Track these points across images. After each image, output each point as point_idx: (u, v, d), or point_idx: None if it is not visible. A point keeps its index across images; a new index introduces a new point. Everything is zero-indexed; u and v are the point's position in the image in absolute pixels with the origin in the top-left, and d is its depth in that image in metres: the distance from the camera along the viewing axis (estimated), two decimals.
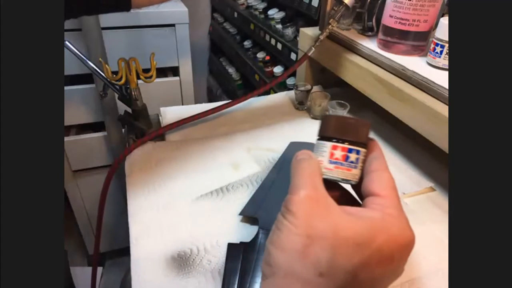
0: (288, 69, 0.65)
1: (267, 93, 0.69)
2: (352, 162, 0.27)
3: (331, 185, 0.28)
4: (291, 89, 0.72)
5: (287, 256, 0.22)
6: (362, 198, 0.27)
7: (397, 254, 0.22)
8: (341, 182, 0.28)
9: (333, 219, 0.22)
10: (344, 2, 0.55)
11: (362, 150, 0.27)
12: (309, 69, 0.74)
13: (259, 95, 0.68)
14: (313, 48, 0.60)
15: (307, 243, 0.22)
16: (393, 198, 0.24)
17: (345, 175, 0.27)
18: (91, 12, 0.48)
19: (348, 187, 0.30)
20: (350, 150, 0.27)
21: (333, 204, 0.24)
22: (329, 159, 0.27)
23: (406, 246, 0.23)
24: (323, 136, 0.28)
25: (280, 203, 0.46)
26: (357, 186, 0.28)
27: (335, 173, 0.27)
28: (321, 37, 0.58)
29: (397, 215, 0.23)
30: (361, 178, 0.28)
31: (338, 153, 0.27)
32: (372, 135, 0.54)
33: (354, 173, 0.27)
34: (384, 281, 0.23)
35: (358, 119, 0.28)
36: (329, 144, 0.28)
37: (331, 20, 0.57)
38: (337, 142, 0.27)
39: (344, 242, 0.21)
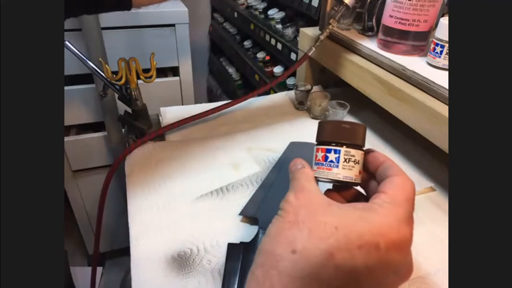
0: (288, 69, 0.65)
1: (267, 93, 0.69)
2: (331, 161, 0.29)
3: (341, 188, 0.31)
4: (291, 89, 0.72)
5: (270, 239, 0.24)
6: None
7: (383, 243, 0.21)
8: (330, 182, 0.30)
9: (314, 207, 0.24)
10: (344, 2, 0.55)
11: (342, 149, 0.29)
12: (309, 69, 0.74)
13: (259, 95, 0.68)
14: (313, 48, 0.60)
15: (287, 227, 0.24)
16: (396, 196, 0.24)
17: (326, 174, 0.29)
18: (91, 11, 0.48)
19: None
20: (328, 150, 0.29)
21: (321, 198, 0.25)
22: (314, 161, 0.30)
23: (395, 238, 0.22)
24: (317, 141, 0.31)
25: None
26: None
27: (318, 174, 0.30)
28: (322, 37, 0.58)
29: (387, 207, 0.23)
30: (363, 181, 0.30)
31: (320, 155, 0.30)
32: (372, 135, 0.56)
33: (335, 173, 0.29)
34: (378, 273, 0.22)
35: (349, 123, 0.29)
36: (315, 148, 0.30)
37: (332, 20, 0.57)
38: (318, 145, 0.30)
39: (322, 225, 0.22)
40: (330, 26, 0.57)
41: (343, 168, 0.29)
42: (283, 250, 0.22)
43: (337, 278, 0.21)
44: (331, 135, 0.29)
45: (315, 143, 0.31)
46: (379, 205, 0.24)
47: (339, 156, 0.29)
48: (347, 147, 0.29)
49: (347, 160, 0.29)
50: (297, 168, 0.29)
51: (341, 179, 0.29)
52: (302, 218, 0.23)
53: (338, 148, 0.29)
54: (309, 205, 0.25)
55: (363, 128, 0.29)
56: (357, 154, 0.29)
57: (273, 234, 0.24)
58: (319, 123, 0.31)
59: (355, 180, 0.29)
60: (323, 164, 0.29)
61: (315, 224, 0.23)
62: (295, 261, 0.21)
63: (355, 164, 0.29)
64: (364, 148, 0.30)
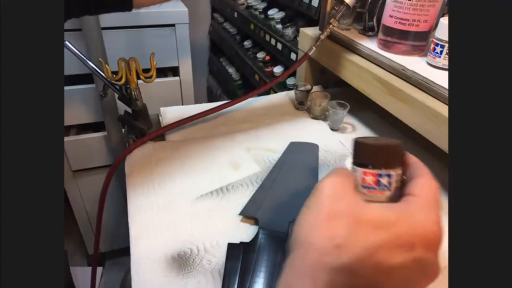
0: (289, 69, 0.65)
1: (267, 93, 0.69)
2: (385, 185, 0.28)
3: None
4: (291, 89, 0.72)
5: (309, 229, 0.24)
6: None
7: (419, 243, 0.22)
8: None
9: (355, 202, 0.24)
10: (345, 1, 0.55)
11: (394, 173, 0.28)
12: (309, 69, 0.74)
13: (259, 95, 0.68)
14: (313, 48, 0.60)
15: (327, 218, 0.23)
16: (426, 197, 0.25)
17: (379, 197, 0.28)
18: (93, 11, 0.48)
19: None
20: (380, 175, 0.28)
21: (358, 195, 0.25)
22: (362, 184, 0.29)
23: (430, 239, 0.23)
24: (356, 161, 0.30)
25: (280, 203, 0.46)
26: None
27: (371, 197, 0.28)
28: (322, 37, 0.58)
29: (421, 208, 0.24)
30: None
31: (369, 179, 0.29)
32: (372, 135, 0.56)
33: (387, 195, 0.28)
34: (409, 272, 0.22)
35: (388, 142, 0.29)
36: (360, 170, 0.29)
37: (332, 20, 0.57)
38: (367, 168, 0.28)
39: (364, 224, 0.23)
40: (331, 26, 0.57)
41: (394, 189, 0.28)
42: (327, 244, 0.23)
43: (374, 274, 0.22)
44: (377, 159, 0.29)
45: (353, 161, 0.30)
46: (413, 207, 0.24)
47: (391, 180, 0.28)
48: (396, 169, 0.28)
49: (398, 181, 0.28)
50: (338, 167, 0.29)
51: (394, 199, 0.28)
52: (342, 211, 0.24)
53: (389, 172, 0.28)
54: (348, 197, 0.25)
55: (401, 145, 0.29)
56: (394, 174, 0.28)
57: (311, 224, 0.24)
58: (356, 142, 0.30)
59: (394, 200, 0.29)
60: (375, 189, 0.28)
61: (357, 222, 0.23)
62: (338, 255, 0.22)
63: (398, 182, 0.29)
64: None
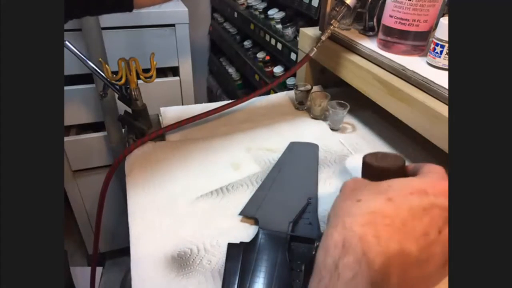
0: (290, 70, 0.65)
1: (267, 93, 0.69)
2: None
3: None
4: (291, 89, 0.72)
5: (337, 202, 0.28)
6: None
7: (430, 189, 0.25)
8: None
9: (368, 181, 0.29)
10: (345, 2, 0.55)
11: None
12: (309, 69, 0.74)
13: (260, 95, 0.68)
14: (315, 49, 0.60)
15: (347, 192, 0.28)
16: (433, 168, 0.29)
17: None
18: (93, 12, 0.48)
19: None
20: None
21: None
22: None
23: (439, 187, 0.26)
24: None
25: (280, 203, 0.46)
26: None
27: None
28: (323, 38, 0.58)
29: (432, 173, 0.28)
30: None
31: None
32: (372, 135, 0.56)
33: None
34: (428, 212, 0.24)
35: (391, 163, 0.31)
36: None
37: (333, 20, 0.57)
38: None
39: (376, 184, 0.27)
40: (332, 26, 0.57)
41: None
42: (349, 202, 0.26)
43: (397, 215, 0.23)
44: (382, 178, 0.30)
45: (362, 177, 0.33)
46: (420, 175, 0.28)
47: None
48: None
49: None
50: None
51: None
52: (360, 185, 0.28)
53: None
54: (363, 180, 0.30)
55: (403, 164, 0.31)
56: None
57: (340, 199, 0.28)
58: (364, 162, 0.33)
59: None
60: None
61: (371, 185, 0.27)
62: (360, 205, 0.25)
63: None
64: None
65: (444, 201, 0.24)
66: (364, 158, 0.32)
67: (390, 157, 0.31)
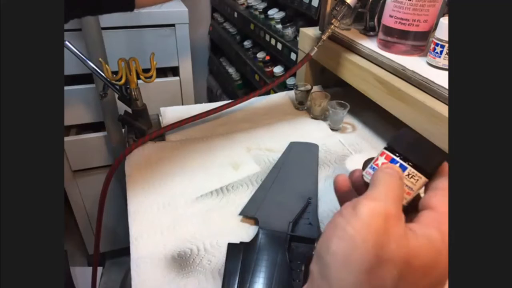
0: (291, 69, 0.65)
1: (267, 93, 0.70)
2: (410, 188, 0.26)
3: None
4: (291, 89, 0.72)
5: (351, 275, 0.20)
6: (411, 211, 0.26)
7: (445, 279, 0.22)
8: None
9: (406, 243, 0.21)
10: (346, 2, 0.55)
11: (422, 178, 0.26)
12: (309, 69, 0.74)
13: (260, 95, 0.68)
14: (315, 48, 0.60)
15: (374, 264, 0.20)
16: (444, 215, 0.23)
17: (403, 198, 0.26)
18: (95, 12, 0.48)
19: None
20: (393, 160, 0.26)
21: (405, 225, 0.22)
22: (372, 163, 0.27)
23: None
24: (396, 151, 0.27)
25: (280, 203, 0.46)
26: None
27: (368, 178, 0.27)
28: (324, 37, 0.58)
29: (444, 235, 0.22)
30: (413, 201, 0.27)
31: (381, 160, 0.27)
32: (372, 135, 0.56)
33: (409, 198, 0.26)
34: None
35: (435, 146, 0.26)
36: (381, 151, 0.27)
37: (334, 20, 0.57)
38: (409, 164, 0.26)
39: (413, 271, 0.20)
40: (332, 26, 0.57)
41: (413, 195, 0.26)
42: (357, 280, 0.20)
43: None
44: (406, 148, 0.26)
45: (385, 146, 0.28)
46: (444, 232, 0.22)
47: (415, 184, 0.26)
48: (415, 168, 0.26)
49: (409, 178, 0.26)
50: (395, 176, 0.24)
51: (406, 205, 0.26)
52: (392, 255, 0.20)
53: (405, 164, 0.26)
54: (398, 237, 0.21)
55: (441, 156, 0.26)
56: (421, 180, 0.26)
57: (353, 265, 0.20)
58: (403, 129, 0.28)
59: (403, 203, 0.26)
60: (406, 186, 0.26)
61: (407, 269, 0.20)
62: None
63: (411, 188, 0.26)
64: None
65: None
66: (403, 134, 0.29)
67: (430, 154, 0.26)
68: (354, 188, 0.29)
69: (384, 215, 0.21)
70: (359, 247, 0.20)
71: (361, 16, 0.61)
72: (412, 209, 0.27)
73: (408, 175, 0.26)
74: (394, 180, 0.24)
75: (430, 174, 0.26)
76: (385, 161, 0.27)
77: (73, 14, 0.44)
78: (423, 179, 0.26)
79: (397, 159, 0.26)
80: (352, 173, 0.29)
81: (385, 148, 0.27)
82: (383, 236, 0.20)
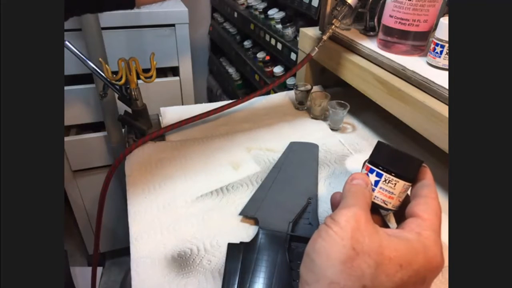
0: (291, 70, 0.65)
1: (267, 93, 0.70)
2: (392, 193, 0.29)
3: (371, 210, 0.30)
4: (291, 89, 0.72)
5: (332, 266, 0.23)
6: (401, 221, 0.28)
7: (429, 276, 0.24)
8: (380, 208, 0.30)
9: (378, 238, 0.24)
10: (347, 2, 0.55)
11: (400, 181, 0.29)
12: (309, 69, 0.74)
13: (260, 95, 0.68)
14: (316, 49, 0.60)
15: (352, 256, 0.23)
16: (434, 222, 0.26)
17: (386, 202, 0.30)
18: (94, 10, 0.48)
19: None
20: (371, 170, 0.30)
21: (377, 226, 0.25)
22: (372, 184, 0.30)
23: (437, 270, 0.24)
24: (373, 161, 0.31)
25: (280, 203, 0.46)
26: (397, 211, 0.31)
27: (378, 199, 0.30)
28: (324, 38, 0.58)
29: (433, 239, 0.25)
30: (402, 206, 0.30)
31: (363, 171, 0.30)
32: (372, 135, 0.56)
33: (393, 202, 0.30)
34: None
35: (410, 155, 0.30)
36: (377, 171, 0.30)
37: (334, 20, 0.57)
38: (383, 170, 0.30)
39: (388, 262, 0.23)
40: (333, 26, 0.57)
41: (398, 200, 0.30)
42: (352, 284, 0.23)
43: None
44: (382, 159, 0.30)
45: (370, 160, 0.31)
46: (427, 240, 0.25)
47: (379, 180, 0.29)
48: (390, 174, 0.29)
49: (403, 193, 0.30)
50: (360, 185, 0.29)
51: (394, 209, 0.30)
52: (367, 247, 0.23)
53: (380, 172, 0.29)
54: (371, 233, 0.24)
55: (418, 163, 0.29)
56: (399, 184, 0.29)
57: (334, 258, 0.23)
58: (378, 142, 0.31)
59: (387, 206, 0.30)
60: (385, 190, 0.30)
61: (382, 260, 0.23)
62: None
63: (392, 192, 0.29)
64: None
65: (430, 281, 0.24)
66: (380, 142, 0.31)
67: (404, 160, 0.30)
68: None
69: (354, 218, 0.25)
70: (338, 243, 0.24)
71: (361, 16, 0.61)
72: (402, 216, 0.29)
73: (385, 180, 0.29)
74: (360, 189, 0.28)
75: (409, 178, 0.29)
76: (365, 171, 0.31)
77: (73, 12, 0.44)
78: (401, 182, 0.29)
79: (374, 168, 0.30)
80: (333, 195, 0.33)
81: (368, 162, 0.31)
82: (357, 233, 0.24)
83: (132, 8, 0.48)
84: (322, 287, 0.23)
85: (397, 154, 0.29)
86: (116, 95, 0.64)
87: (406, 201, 0.30)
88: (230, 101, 0.66)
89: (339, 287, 0.22)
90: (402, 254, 0.23)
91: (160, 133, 0.59)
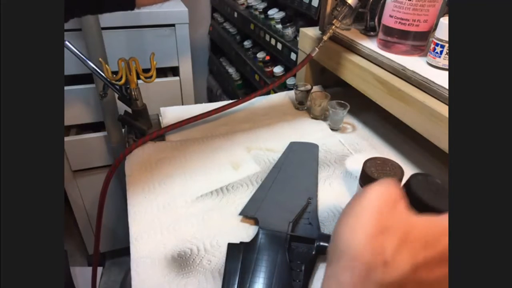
0: (291, 70, 0.65)
1: (267, 93, 0.70)
2: None
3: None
4: (291, 89, 0.72)
5: (357, 240, 0.23)
6: None
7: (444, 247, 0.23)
8: None
9: (406, 215, 0.24)
10: (347, 2, 0.55)
11: None
12: (309, 69, 0.74)
13: (261, 95, 0.68)
14: (316, 49, 0.60)
15: (378, 231, 0.23)
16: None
17: None
18: (94, 11, 0.48)
19: None
20: None
21: (405, 204, 0.25)
22: None
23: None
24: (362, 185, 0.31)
25: (280, 203, 0.46)
26: None
27: None
28: (325, 38, 0.58)
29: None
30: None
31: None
32: (372, 135, 0.56)
33: None
34: (443, 284, 0.23)
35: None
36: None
37: (334, 20, 0.57)
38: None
39: (413, 240, 0.23)
40: (334, 26, 0.57)
41: None
42: (377, 261, 0.22)
43: None
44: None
45: (359, 183, 0.32)
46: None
47: None
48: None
49: None
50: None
51: None
52: (394, 224, 0.23)
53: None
54: (399, 210, 0.24)
55: (401, 173, 0.30)
56: None
57: (360, 233, 0.23)
58: (362, 170, 0.32)
59: None
60: None
61: (407, 238, 0.23)
62: (385, 272, 0.22)
63: None
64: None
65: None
66: (364, 165, 0.32)
67: (389, 167, 0.31)
68: None
69: (387, 194, 0.25)
70: (364, 217, 0.24)
71: (361, 16, 0.61)
72: None
73: None
74: (393, 180, 0.27)
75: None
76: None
77: (73, 13, 0.44)
78: None
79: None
80: None
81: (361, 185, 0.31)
82: (384, 209, 0.24)
83: (132, 9, 0.48)
84: (346, 262, 0.23)
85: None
86: (116, 95, 0.64)
87: None
88: (230, 101, 0.66)
89: (362, 261, 0.22)
90: (428, 234, 0.23)
91: (160, 133, 0.59)
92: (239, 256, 0.38)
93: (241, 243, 0.40)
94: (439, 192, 0.27)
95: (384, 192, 0.25)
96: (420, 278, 0.22)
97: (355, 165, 0.55)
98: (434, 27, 0.51)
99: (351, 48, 0.61)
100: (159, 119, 0.67)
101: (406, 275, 0.22)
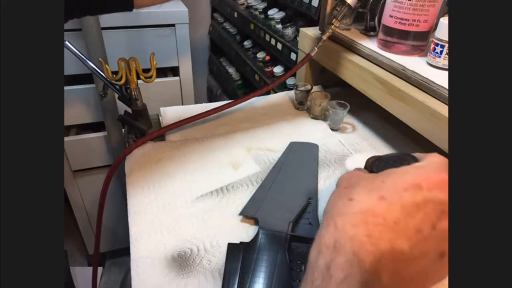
0: (291, 70, 0.65)
1: (267, 93, 0.70)
2: None
3: None
4: (291, 89, 0.72)
5: (330, 201, 0.27)
6: None
7: (424, 184, 0.25)
8: None
9: (363, 175, 0.29)
10: (347, 2, 0.55)
11: None
12: (309, 69, 0.74)
13: (260, 95, 0.68)
14: (316, 49, 0.60)
15: (342, 190, 0.27)
16: (431, 158, 0.28)
17: None
18: (94, 12, 0.48)
19: None
20: None
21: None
22: None
23: (434, 180, 0.25)
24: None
25: (280, 203, 0.46)
26: None
27: None
28: (324, 38, 0.58)
29: (429, 163, 0.27)
30: None
31: None
32: (372, 135, 0.56)
33: None
34: (423, 208, 0.24)
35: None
36: None
37: (334, 20, 0.57)
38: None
39: (370, 180, 0.27)
40: (333, 26, 0.57)
41: None
42: (342, 201, 0.26)
43: (389, 213, 0.23)
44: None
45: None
46: (417, 166, 0.27)
47: None
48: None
49: None
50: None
51: None
52: (354, 181, 0.27)
53: None
54: (359, 175, 0.29)
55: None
56: None
57: (334, 196, 0.28)
58: (367, 162, 0.32)
59: None
60: None
61: (365, 181, 0.27)
62: (352, 204, 0.25)
63: None
64: None
65: (438, 194, 0.24)
66: (371, 158, 0.32)
67: (399, 156, 0.31)
68: None
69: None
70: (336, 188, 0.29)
71: (361, 16, 0.61)
72: None
73: None
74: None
75: None
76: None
77: (73, 14, 0.44)
78: None
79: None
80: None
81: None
82: (347, 177, 0.30)
83: (130, 10, 0.48)
84: (327, 214, 0.26)
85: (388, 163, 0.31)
86: (116, 95, 0.64)
87: None
88: (230, 101, 0.66)
89: (335, 206, 0.26)
90: (384, 175, 0.26)
91: (160, 133, 0.59)
92: (239, 256, 0.38)
93: (241, 243, 0.40)
94: (399, 159, 0.30)
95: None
96: (389, 202, 0.24)
97: (355, 165, 0.55)
98: (434, 27, 0.51)
99: (351, 48, 0.61)
100: (159, 119, 0.67)
101: (372, 203, 0.24)
